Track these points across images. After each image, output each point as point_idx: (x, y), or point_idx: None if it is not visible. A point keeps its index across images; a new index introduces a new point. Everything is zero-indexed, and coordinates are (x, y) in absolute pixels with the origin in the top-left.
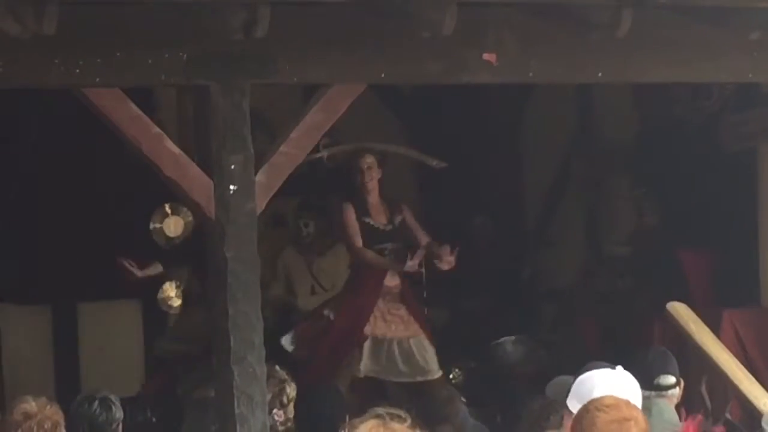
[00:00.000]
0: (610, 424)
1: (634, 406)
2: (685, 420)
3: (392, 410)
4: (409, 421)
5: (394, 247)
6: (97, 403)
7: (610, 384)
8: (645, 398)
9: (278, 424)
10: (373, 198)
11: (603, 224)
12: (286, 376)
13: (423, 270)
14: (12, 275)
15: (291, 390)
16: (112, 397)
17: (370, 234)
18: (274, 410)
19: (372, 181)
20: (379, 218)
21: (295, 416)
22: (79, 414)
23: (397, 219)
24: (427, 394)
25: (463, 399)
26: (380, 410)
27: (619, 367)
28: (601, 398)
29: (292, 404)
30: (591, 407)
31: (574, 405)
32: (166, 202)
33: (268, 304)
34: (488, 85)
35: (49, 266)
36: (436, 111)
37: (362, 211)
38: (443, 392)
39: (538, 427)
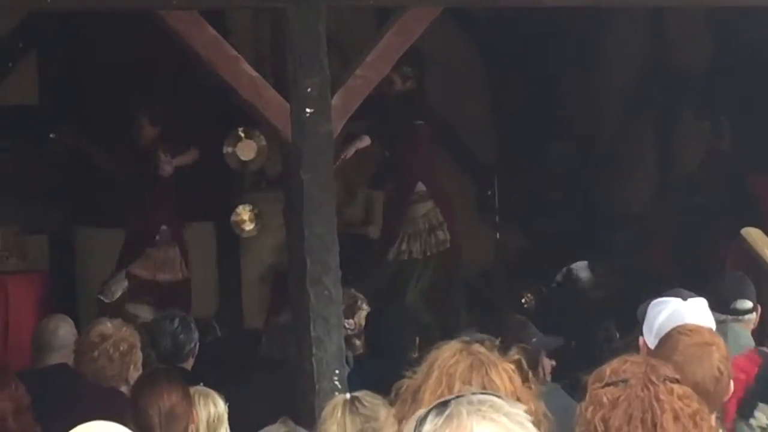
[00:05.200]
0: (692, 347)
1: (717, 334)
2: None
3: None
4: (492, 345)
5: None
6: (177, 321)
7: (678, 311)
8: (721, 323)
9: (352, 334)
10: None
11: (676, 149)
12: (359, 294)
13: (496, 195)
14: (89, 199)
15: (362, 303)
16: (188, 318)
17: None
18: (346, 320)
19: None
20: None
21: (366, 336)
22: (162, 330)
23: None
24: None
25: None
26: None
27: (692, 299)
28: (684, 324)
29: (362, 315)
30: (674, 332)
31: (645, 330)
32: (240, 126)
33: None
34: (563, 8)
35: (125, 190)
36: (511, 36)
37: None
38: (514, 317)
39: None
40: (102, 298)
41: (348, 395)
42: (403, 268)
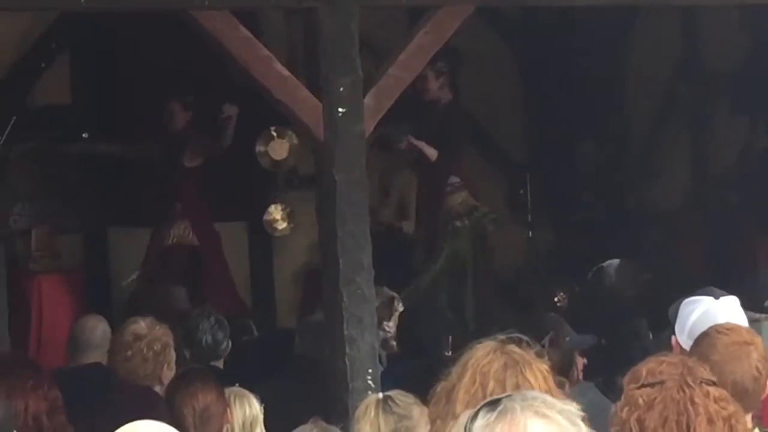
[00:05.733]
0: (731, 346)
1: (755, 332)
2: None
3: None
4: (525, 344)
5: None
6: (213, 319)
7: (710, 310)
8: (755, 321)
9: (390, 337)
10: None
11: (710, 147)
12: (394, 294)
13: (528, 194)
14: (120, 198)
15: (398, 304)
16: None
17: None
18: (385, 322)
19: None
20: None
21: (399, 335)
22: (202, 328)
23: None
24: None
25: None
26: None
27: (724, 297)
28: (723, 323)
29: (396, 315)
30: (711, 330)
31: (677, 329)
32: (273, 126)
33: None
34: (594, 7)
35: (155, 190)
36: (541, 34)
37: None
38: (548, 315)
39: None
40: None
41: (380, 394)
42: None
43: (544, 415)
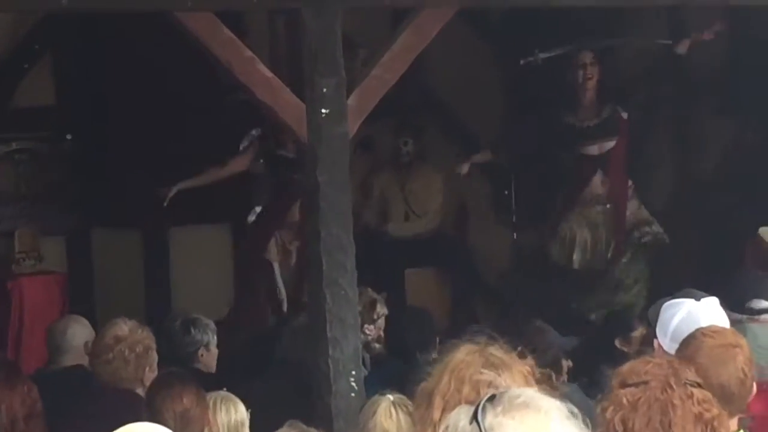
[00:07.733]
0: (716, 348)
1: (741, 335)
2: None
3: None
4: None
5: None
6: (178, 323)
7: (692, 312)
8: (738, 323)
9: (371, 340)
10: (588, 97)
11: (693, 146)
12: (377, 296)
13: (513, 195)
14: (104, 199)
15: (381, 307)
16: (204, 321)
17: (571, 134)
18: (365, 325)
19: (591, 79)
20: (585, 116)
21: (385, 337)
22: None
23: (605, 112)
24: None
25: None
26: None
27: (705, 299)
28: (709, 325)
29: (382, 320)
30: (698, 333)
31: (659, 332)
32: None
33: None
34: (577, 6)
35: (141, 191)
36: (525, 35)
37: (569, 109)
38: (533, 323)
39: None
40: None
41: (390, 396)
42: None
43: (539, 408)
